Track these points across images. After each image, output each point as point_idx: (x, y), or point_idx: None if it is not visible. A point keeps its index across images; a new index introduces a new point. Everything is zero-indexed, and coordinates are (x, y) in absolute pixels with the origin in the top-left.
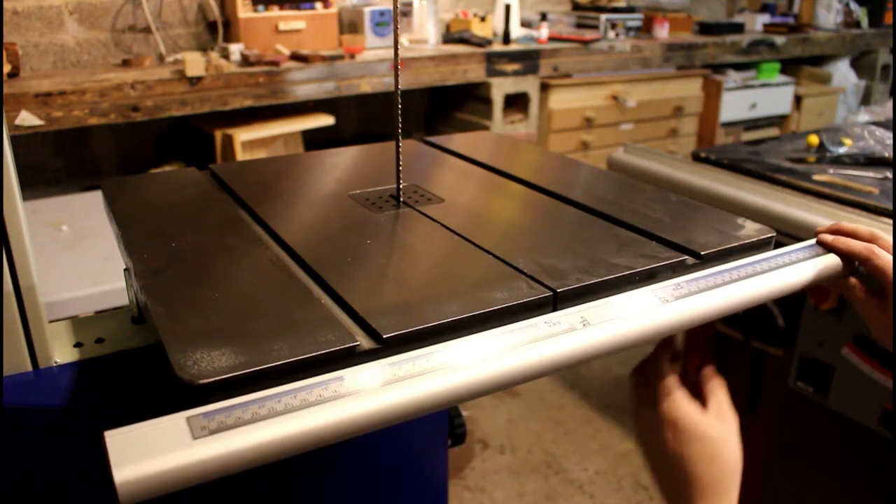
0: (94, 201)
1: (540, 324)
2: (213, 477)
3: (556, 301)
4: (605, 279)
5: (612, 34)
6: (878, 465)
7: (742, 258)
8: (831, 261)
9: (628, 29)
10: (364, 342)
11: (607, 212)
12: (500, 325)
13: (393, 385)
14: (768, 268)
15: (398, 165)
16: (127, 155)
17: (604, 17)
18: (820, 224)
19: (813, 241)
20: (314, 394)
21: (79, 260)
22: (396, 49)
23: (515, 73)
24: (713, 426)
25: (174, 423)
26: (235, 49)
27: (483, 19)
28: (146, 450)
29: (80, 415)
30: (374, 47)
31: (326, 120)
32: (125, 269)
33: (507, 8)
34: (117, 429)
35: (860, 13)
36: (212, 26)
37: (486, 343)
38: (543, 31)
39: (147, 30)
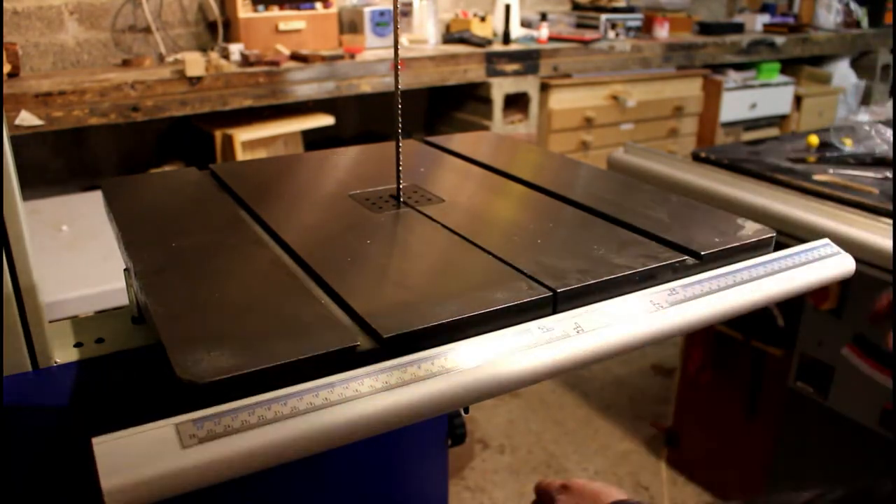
0: (94, 201)
1: (534, 329)
2: (202, 485)
3: (556, 301)
4: (606, 279)
5: (612, 34)
6: (879, 465)
7: (742, 259)
8: (835, 263)
9: (628, 29)
10: (364, 342)
11: (607, 212)
12: (500, 326)
13: (380, 394)
14: (765, 273)
15: (398, 165)
16: (127, 155)
17: (604, 17)
18: (820, 224)
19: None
20: (304, 402)
21: (79, 260)
22: (396, 49)
23: (515, 73)
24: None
25: (163, 432)
26: (235, 49)
27: (483, 19)
28: (134, 458)
29: (80, 415)
30: (374, 47)
31: (326, 120)
32: (125, 269)
33: (507, 8)
34: (106, 435)
35: (860, 13)
36: (212, 26)
37: (481, 348)
38: (543, 31)
39: (147, 30)
